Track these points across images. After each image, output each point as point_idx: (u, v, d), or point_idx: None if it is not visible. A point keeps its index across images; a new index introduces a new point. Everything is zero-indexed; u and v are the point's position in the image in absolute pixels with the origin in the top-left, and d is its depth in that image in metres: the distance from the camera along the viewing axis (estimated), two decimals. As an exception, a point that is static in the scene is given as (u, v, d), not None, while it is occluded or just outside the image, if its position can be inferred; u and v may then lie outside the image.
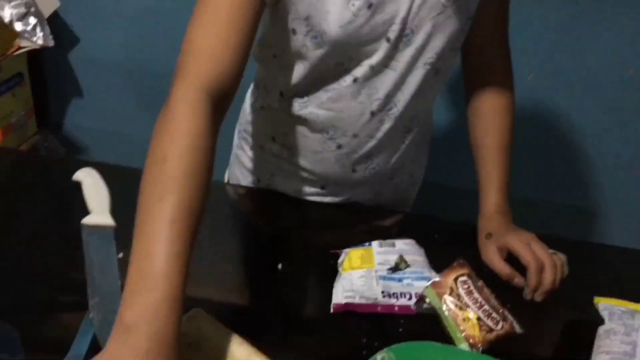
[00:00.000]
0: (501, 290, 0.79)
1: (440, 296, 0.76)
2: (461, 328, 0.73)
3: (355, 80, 0.86)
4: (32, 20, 1.59)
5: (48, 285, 0.77)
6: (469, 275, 0.78)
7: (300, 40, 0.83)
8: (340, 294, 0.78)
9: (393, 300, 0.77)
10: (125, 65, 1.70)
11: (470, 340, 0.72)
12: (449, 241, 0.94)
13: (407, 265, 0.82)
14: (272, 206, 1.00)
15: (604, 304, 0.78)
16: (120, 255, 0.80)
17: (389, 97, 0.88)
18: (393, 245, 0.85)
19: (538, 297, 0.83)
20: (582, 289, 0.83)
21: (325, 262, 0.84)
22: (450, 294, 0.76)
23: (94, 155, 1.85)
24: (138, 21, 1.64)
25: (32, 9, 1.59)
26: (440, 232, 0.96)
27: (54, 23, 1.68)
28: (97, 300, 0.70)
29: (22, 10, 1.58)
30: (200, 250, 0.87)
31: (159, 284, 0.56)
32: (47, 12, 1.63)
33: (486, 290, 0.78)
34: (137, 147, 1.77)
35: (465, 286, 0.77)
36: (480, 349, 0.72)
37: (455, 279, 0.77)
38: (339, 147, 0.93)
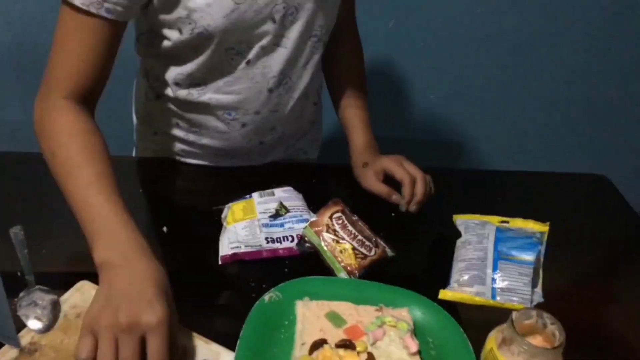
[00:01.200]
0: (374, 221, 0.87)
1: (318, 234, 0.82)
2: (339, 259, 0.80)
3: (248, 62, 0.88)
4: None
5: None
6: (342, 212, 0.85)
7: (187, 37, 0.83)
8: (226, 246, 0.82)
9: (277, 245, 0.83)
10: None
11: (348, 268, 0.80)
12: (326, 184, 1.01)
13: (287, 211, 0.87)
14: (156, 172, 1.01)
15: (461, 220, 0.88)
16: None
17: (284, 74, 0.92)
18: (272, 194, 0.90)
19: (412, 208, 0.93)
20: (444, 210, 0.92)
21: (210, 219, 0.88)
22: (327, 231, 0.82)
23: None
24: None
25: None
26: (317, 176, 1.02)
27: None
28: None
29: None
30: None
31: (117, 228, 0.67)
32: None
33: (360, 223, 0.85)
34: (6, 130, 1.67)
35: (340, 221, 0.83)
36: (357, 274, 0.80)
37: (331, 216, 0.84)
38: (244, 125, 0.95)
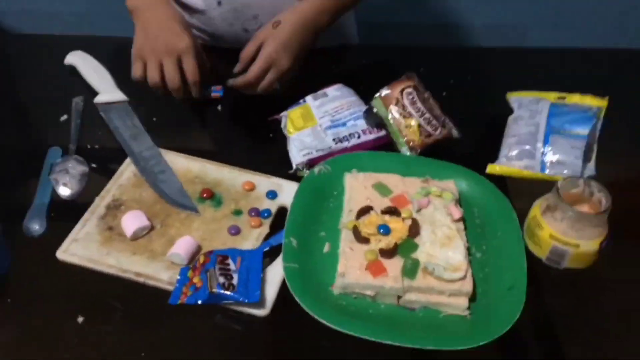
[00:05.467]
0: (446, 101, 0.85)
1: (386, 106, 0.82)
2: (403, 134, 0.81)
3: (219, 2, 0.87)
4: None
5: (6, 154, 0.82)
6: (414, 87, 0.83)
7: None
8: (298, 155, 0.81)
9: (345, 144, 0.82)
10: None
11: (411, 144, 0.80)
12: (368, 67, 0.99)
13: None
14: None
15: (515, 97, 0.87)
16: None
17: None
18: (325, 94, 0.88)
19: (232, 82, 0.85)
20: (497, 88, 0.90)
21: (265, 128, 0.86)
22: (396, 104, 0.82)
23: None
24: None
25: None
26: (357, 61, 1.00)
27: None
28: (142, 166, 0.78)
29: None
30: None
31: None
32: None
33: (432, 101, 0.84)
34: (61, 19, 1.72)
35: (410, 97, 0.82)
36: (419, 151, 0.80)
37: (402, 91, 0.83)
38: (219, 3, 0.93)
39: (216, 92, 0.91)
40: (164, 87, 0.83)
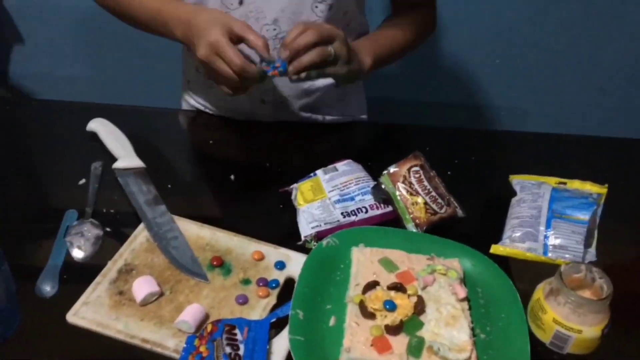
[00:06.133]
0: (451, 181, 0.89)
1: (394, 183, 0.85)
2: (410, 210, 0.83)
3: (240, 2, 0.90)
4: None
5: (24, 215, 0.84)
6: (421, 166, 0.87)
7: None
8: (307, 226, 0.83)
9: (353, 218, 0.84)
10: (61, 6, 1.70)
11: (417, 221, 0.83)
12: (376, 145, 1.03)
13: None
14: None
15: (517, 180, 0.90)
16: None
17: (277, 23, 0.92)
18: (335, 169, 0.91)
19: (291, 71, 0.83)
20: (500, 170, 0.93)
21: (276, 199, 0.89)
22: (403, 182, 0.85)
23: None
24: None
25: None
26: (376, 137, 1.05)
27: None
28: (155, 231, 0.79)
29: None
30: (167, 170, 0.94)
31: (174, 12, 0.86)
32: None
33: (437, 180, 0.87)
34: (79, 85, 1.79)
35: (417, 175, 0.85)
36: (424, 228, 0.83)
37: (409, 169, 0.86)
38: None
39: (273, 67, 0.83)
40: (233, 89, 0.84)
